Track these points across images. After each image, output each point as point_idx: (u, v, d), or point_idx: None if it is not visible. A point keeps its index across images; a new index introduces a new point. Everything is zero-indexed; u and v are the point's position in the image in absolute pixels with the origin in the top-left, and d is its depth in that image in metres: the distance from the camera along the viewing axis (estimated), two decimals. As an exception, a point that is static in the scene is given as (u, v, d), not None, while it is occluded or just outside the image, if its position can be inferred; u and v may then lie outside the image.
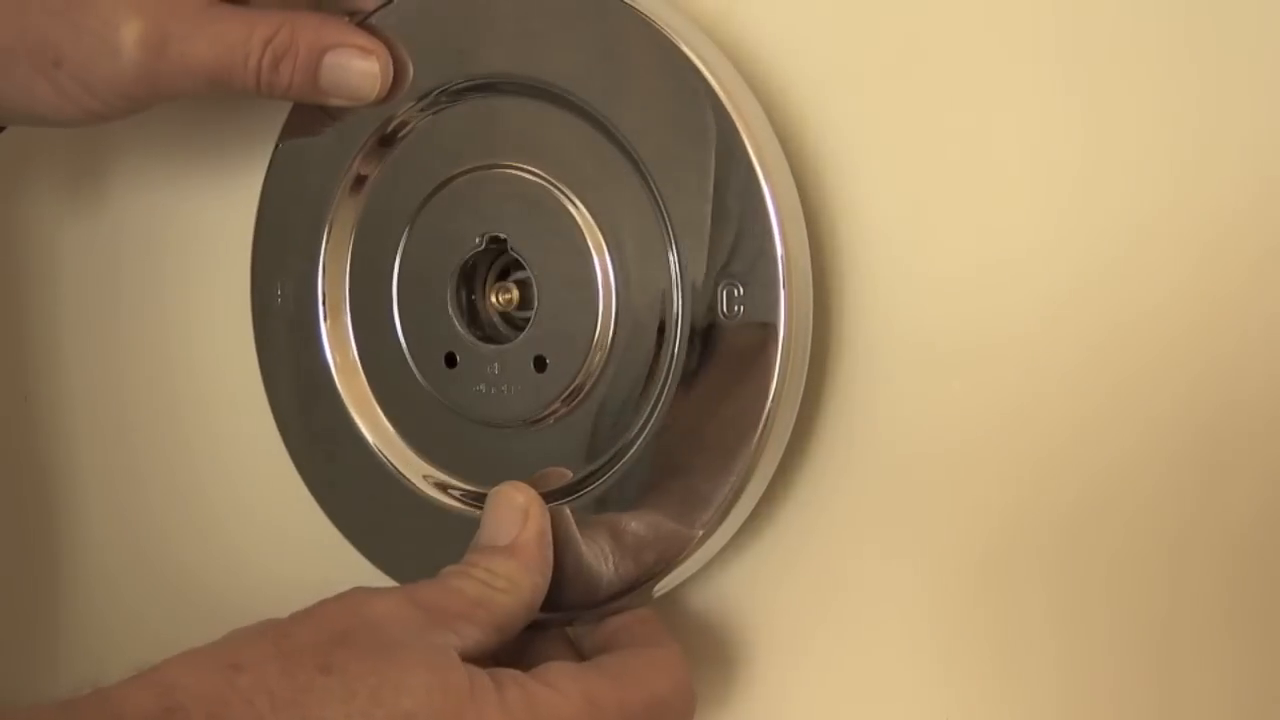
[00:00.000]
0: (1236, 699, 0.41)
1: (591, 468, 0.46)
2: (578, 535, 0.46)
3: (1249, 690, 0.40)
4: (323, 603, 0.42)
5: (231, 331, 0.54)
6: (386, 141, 0.49)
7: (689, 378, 0.44)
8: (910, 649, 0.45)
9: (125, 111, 0.48)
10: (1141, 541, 0.41)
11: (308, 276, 0.51)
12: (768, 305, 0.43)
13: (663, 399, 0.44)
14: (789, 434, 0.44)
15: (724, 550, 0.46)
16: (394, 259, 0.49)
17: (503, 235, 0.47)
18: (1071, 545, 0.42)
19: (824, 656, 0.46)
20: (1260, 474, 0.40)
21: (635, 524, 0.45)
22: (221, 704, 0.38)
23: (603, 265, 0.45)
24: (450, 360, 0.48)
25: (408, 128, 0.49)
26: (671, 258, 0.44)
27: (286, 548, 0.55)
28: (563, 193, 0.46)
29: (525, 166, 0.46)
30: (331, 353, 0.51)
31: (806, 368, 0.44)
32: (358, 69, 0.48)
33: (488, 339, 0.48)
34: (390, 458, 0.50)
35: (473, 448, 0.48)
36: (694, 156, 0.43)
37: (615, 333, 0.45)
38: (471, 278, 0.49)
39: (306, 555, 0.53)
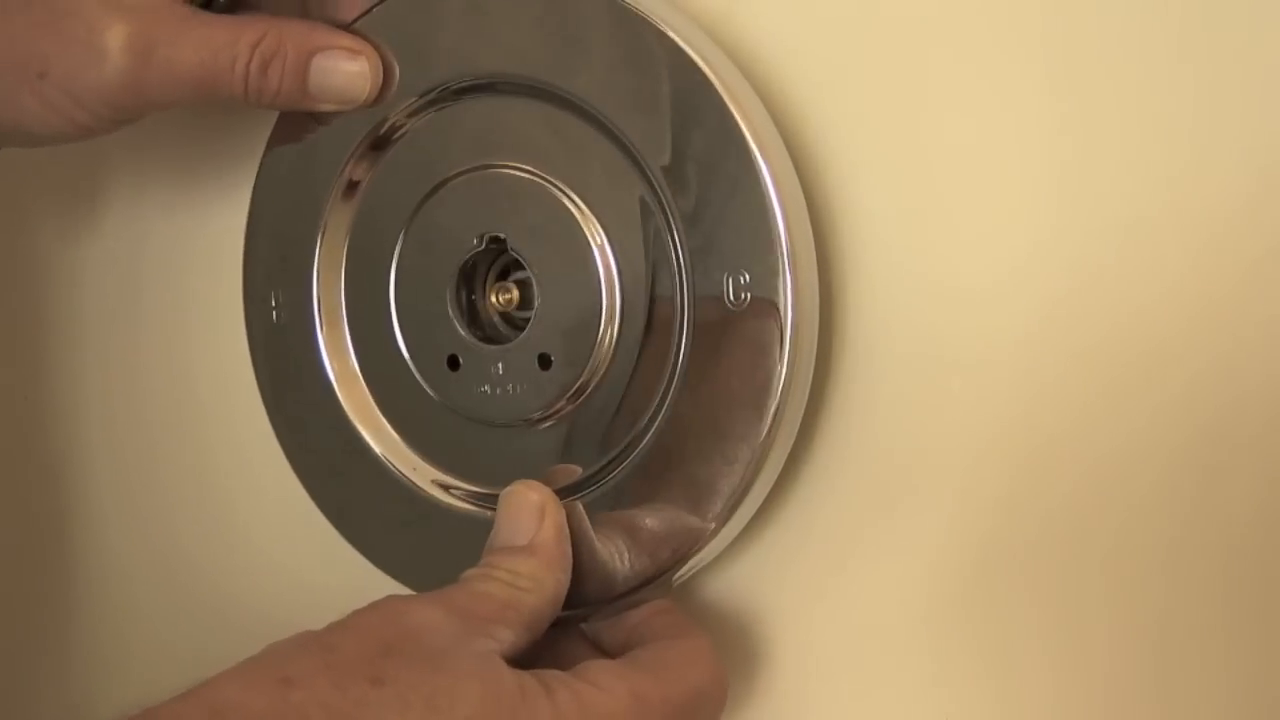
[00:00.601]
0: (1233, 698, 0.41)
1: (600, 463, 0.46)
2: (591, 530, 0.45)
3: (1246, 689, 0.41)
4: (358, 613, 0.41)
5: (232, 344, 0.53)
6: (379, 144, 0.49)
7: (696, 369, 0.44)
8: (909, 646, 0.45)
9: (112, 123, 0.48)
10: (1139, 540, 0.41)
11: (302, 285, 0.50)
12: (774, 292, 0.42)
13: (670, 391, 0.44)
14: (799, 422, 0.44)
15: (732, 543, 0.46)
16: (390, 263, 0.49)
17: (502, 235, 0.47)
18: (1072, 544, 0.42)
19: (826, 653, 0.46)
20: (1257, 474, 0.40)
21: (648, 517, 0.45)
22: None
23: (604, 261, 0.45)
24: (453, 363, 0.48)
25: (401, 130, 0.48)
26: (674, 250, 0.44)
27: (297, 550, 0.54)
28: (561, 190, 0.46)
29: (523, 166, 0.46)
30: (330, 361, 0.50)
31: (814, 357, 0.44)
32: (347, 71, 0.47)
33: (488, 340, 0.48)
34: (398, 465, 0.49)
35: (479, 449, 0.48)
36: (695, 152, 0.43)
37: (619, 328, 0.45)
38: (471, 278, 0.48)
39: (318, 560, 0.52)
